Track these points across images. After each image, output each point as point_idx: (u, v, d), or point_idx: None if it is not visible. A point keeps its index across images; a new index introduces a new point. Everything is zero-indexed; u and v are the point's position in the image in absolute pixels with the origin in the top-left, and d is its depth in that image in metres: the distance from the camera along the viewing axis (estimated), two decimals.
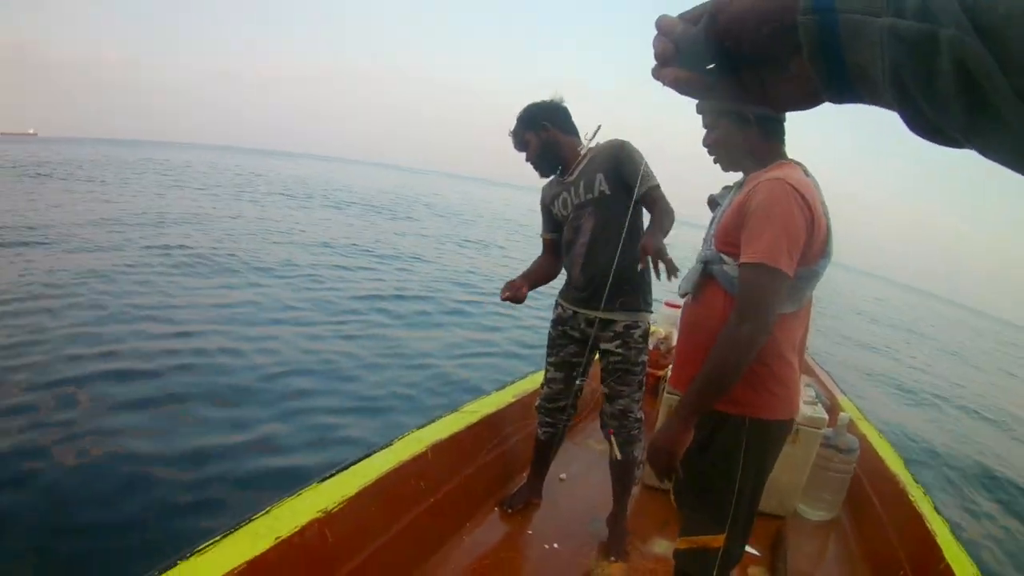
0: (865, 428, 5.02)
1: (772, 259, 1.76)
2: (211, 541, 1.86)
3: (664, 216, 2.80)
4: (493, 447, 3.58)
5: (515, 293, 3.06)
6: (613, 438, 3.16)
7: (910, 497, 3.79)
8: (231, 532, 1.93)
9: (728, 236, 1.95)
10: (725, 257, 1.97)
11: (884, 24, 0.44)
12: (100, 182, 24.64)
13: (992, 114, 0.40)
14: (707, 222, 2.21)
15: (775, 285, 1.78)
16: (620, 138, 2.97)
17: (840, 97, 0.53)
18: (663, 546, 3.48)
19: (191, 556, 1.78)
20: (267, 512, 2.09)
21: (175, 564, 1.73)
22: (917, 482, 4.01)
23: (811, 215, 1.81)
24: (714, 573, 2.13)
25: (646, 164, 2.86)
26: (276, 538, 2.00)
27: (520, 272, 3.28)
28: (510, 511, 3.41)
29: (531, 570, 3.03)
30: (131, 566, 3.10)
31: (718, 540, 2.10)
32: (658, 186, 2.87)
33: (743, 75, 0.59)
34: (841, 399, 5.51)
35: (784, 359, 2.01)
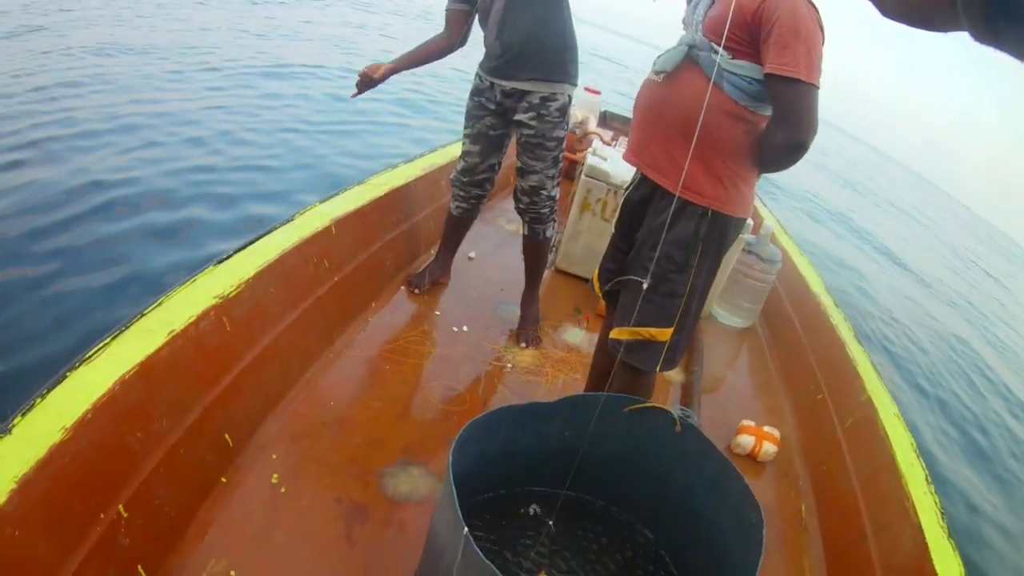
0: (787, 243, 5.04)
1: (815, 78, 1.75)
2: (99, 345, 1.60)
3: None
4: (400, 222, 3.34)
5: (365, 79, 2.88)
6: (524, 215, 3.02)
7: (831, 320, 3.83)
8: (121, 332, 1.67)
9: (728, 31, 1.80)
10: (716, 47, 1.84)
11: None
12: None
13: None
14: None
15: (817, 102, 1.78)
16: None
17: (985, 26, 0.38)
18: (575, 334, 3.43)
19: (79, 365, 1.52)
20: (159, 304, 1.83)
21: (63, 378, 1.48)
22: (838, 306, 4.04)
23: (823, 37, 1.79)
24: (658, 367, 2.10)
25: None
26: (169, 332, 1.76)
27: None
28: (417, 291, 3.25)
29: (440, 354, 2.90)
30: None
31: (665, 334, 2.04)
32: None
33: None
34: (763, 211, 5.49)
35: (753, 160, 1.94)
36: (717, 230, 1.97)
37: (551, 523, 2.06)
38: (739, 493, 1.76)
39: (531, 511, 2.09)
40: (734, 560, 1.72)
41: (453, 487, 1.36)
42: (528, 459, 2.04)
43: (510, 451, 1.95)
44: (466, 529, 1.27)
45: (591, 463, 2.08)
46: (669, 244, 1.96)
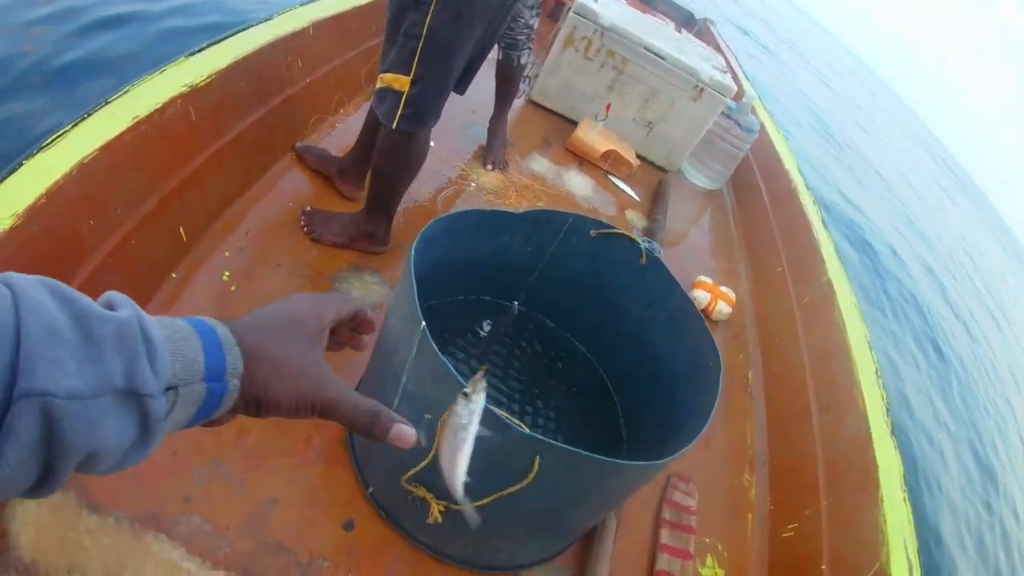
0: (766, 118, 4.97)
1: None
2: (59, 132, 1.57)
3: None
4: (380, 32, 3.19)
5: None
6: (500, 40, 2.99)
7: (800, 199, 3.86)
8: (83, 119, 1.64)
9: None
10: None
11: None
12: None
13: None
14: None
15: None
16: None
17: None
18: (542, 164, 3.46)
19: (36, 153, 1.50)
20: (126, 92, 1.78)
21: (19, 166, 1.45)
22: (808, 188, 4.05)
23: None
24: (396, 118, 1.98)
25: None
26: (134, 118, 1.73)
27: None
28: None
29: None
30: None
31: (402, 82, 1.92)
32: None
33: None
34: (745, 83, 5.39)
35: None
36: None
37: (498, 327, 2.16)
38: (698, 334, 1.77)
39: (483, 326, 2.17)
40: (684, 401, 1.75)
41: (413, 279, 1.35)
42: (488, 270, 2.06)
43: (470, 259, 1.95)
44: (423, 323, 1.26)
45: (549, 284, 2.13)
46: None
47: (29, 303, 0.38)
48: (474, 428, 0.78)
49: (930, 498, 4.37)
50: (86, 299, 0.43)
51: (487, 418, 1.22)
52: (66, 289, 0.42)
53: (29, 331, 0.37)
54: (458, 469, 0.78)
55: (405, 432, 0.61)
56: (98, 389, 0.40)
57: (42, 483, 0.40)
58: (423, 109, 1.98)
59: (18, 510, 1.34)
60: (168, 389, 0.46)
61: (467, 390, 0.77)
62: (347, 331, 0.70)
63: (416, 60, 1.87)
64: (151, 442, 0.46)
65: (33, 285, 0.40)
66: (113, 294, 0.47)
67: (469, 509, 0.88)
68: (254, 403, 0.55)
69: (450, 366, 1.22)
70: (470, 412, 0.78)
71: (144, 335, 0.45)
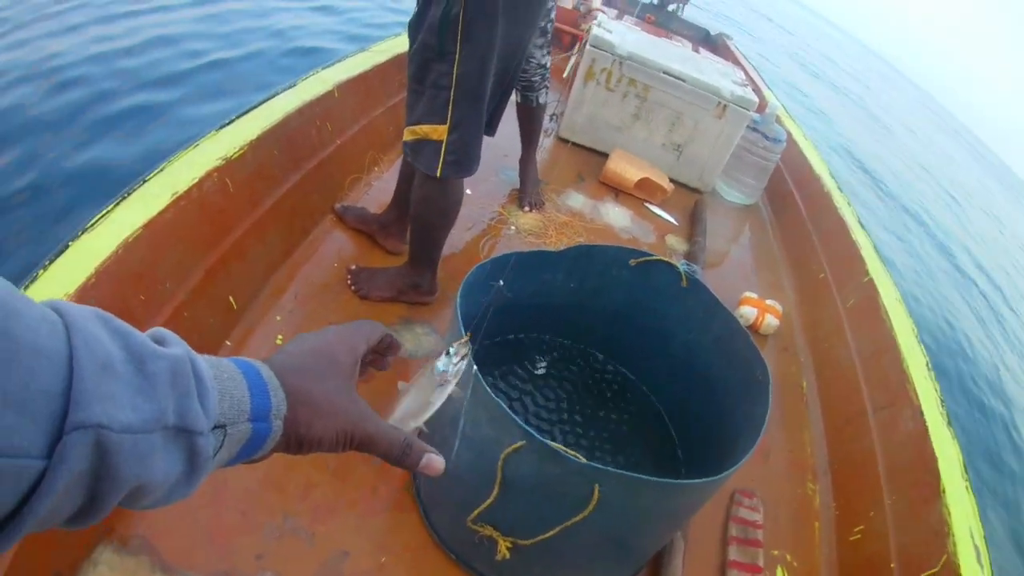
0: (791, 126, 4.99)
1: None
2: (102, 213, 1.62)
3: None
4: (402, 88, 3.26)
5: None
6: (515, 84, 3.02)
7: (834, 202, 3.85)
8: (123, 199, 1.68)
9: None
10: None
11: None
12: None
13: None
14: None
15: None
16: None
17: None
18: (579, 200, 3.48)
19: (81, 234, 1.54)
20: (162, 170, 1.83)
21: (65, 247, 1.50)
22: (842, 190, 4.04)
23: None
24: (440, 166, 1.98)
25: None
26: (173, 195, 1.77)
27: None
28: None
29: None
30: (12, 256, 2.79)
31: (439, 131, 1.93)
32: None
33: None
34: (767, 93, 5.41)
35: None
36: (476, 8, 1.80)
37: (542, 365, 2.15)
38: (745, 351, 1.77)
39: (536, 364, 2.16)
40: (736, 418, 1.75)
41: (461, 326, 1.36)
42: (532, 310, 2.07)
43: (514, 300, 1.95)
44: (475, 366, 1.26)
45: (594, 317, 2.13)
46: (425, 30, 1.85)
47: (82, 333, 0.38)
48: (448, 388, 0.78)
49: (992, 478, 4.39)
50: (138, 333, 0.43)
51: (544, 453, 1.22)
52: (117, 321, 0.42)
53: (82, 362, 0.36)
54: (418, 420, 0.78)
55: (435, 461, 0.65)
56: (150, 424, 0.40)
57: (84, 514, 0.40)
58: (465, 154, 2.02)
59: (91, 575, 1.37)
60: (216, 427, 0.47)
61: (451, 350, 0.79)
62: (372, 354, 0.71)
63: (450, 108, 1.90)
64: (197, 479, 0.47)
65: (84, 316, 0.40)
66: (161, 329, 0.47)
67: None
68: (296, 442, 0.57)
69: (503, 406, 1.24)
70: (452, 371, 0.79)
71: (195, 373, 0.45)
